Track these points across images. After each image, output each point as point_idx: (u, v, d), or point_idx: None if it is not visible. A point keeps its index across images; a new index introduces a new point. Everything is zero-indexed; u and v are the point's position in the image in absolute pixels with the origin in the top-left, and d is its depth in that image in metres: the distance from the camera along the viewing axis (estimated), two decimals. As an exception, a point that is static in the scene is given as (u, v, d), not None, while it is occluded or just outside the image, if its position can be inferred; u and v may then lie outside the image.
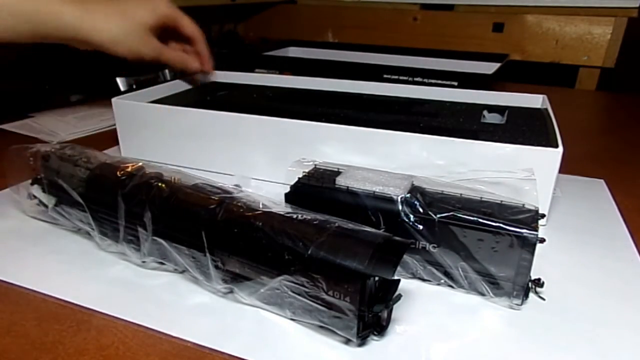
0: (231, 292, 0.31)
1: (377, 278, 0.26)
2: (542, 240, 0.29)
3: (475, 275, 0.30)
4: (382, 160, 0.42)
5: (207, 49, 0.62)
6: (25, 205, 0.40)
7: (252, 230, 0.28)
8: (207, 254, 0.29)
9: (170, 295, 0.31)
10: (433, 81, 0.75)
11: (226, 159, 0.49)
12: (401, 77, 0.77)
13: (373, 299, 0.26)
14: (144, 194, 0.32)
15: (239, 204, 0.30)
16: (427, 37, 1.15)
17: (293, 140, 0.45)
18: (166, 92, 0.60)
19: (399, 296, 0.27)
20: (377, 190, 0.32)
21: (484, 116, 0.53)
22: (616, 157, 0.59)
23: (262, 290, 0.28)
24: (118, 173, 0.34)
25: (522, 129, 0.46)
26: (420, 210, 0.31)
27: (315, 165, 0.37)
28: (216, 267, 0.30)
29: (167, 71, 0.72)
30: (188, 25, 0.59)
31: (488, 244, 0.29)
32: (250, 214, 0.29)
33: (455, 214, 0.30)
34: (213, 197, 0.31)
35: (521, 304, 0.30)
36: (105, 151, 0.53)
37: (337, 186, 0.33)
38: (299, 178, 0.36)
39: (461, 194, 0.32)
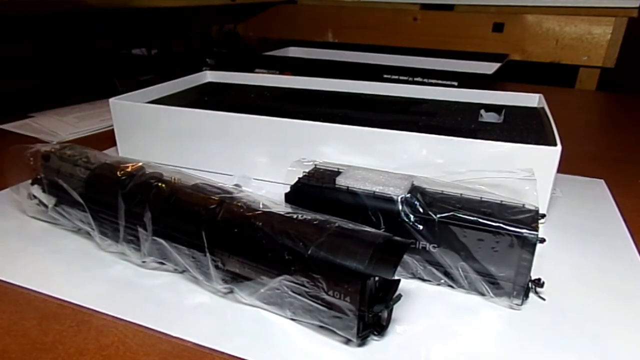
0: (231, 292, 0.31)
1: (377, 278, 0.26)
2: (542, 241, 0.29)
3: (475, 275, 0.30)
4: (381, 160, 0.42)
5: None
6: (25, 205, 0.40)
7: (252, 230, 0.28)
8: (207, 254, 0.29)
9: (170, 295, 0.31)
10: (433, 81, 0.75)
11: (226, 159, 0.49)
12: (401, 77, 0.76)
13: (373, 299, 0.26)
14: (144, 194, 0.32)
15: (239, 204, 0.30)
16: (427, 37, 1.15)
17: (293, 140, 0.45)
18: (164, 92, 0.60)
19: (399, 296, 0.27)
20: (377, 190, 0.32)
21: (481, 115, 0.53)
22: (616, 157, 0.59)
23: (262, 290, 0.28)
24: (118, 173, 0.34)
25: (520, 127, 0.47)
26: (420, 210, 0.31)
27: (315, 165, 0.37)
28: (216, 267, 0.30)
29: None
30: None
31: (488, 244, 0.29)
32: (250, 214, 0.29)
33: (455, 214, 0.30)
34: (213, 197, 0.31)
35: (521, 304, 0.30)
36: (104, 151, 0.53)
37: (337, 186, 0.33)
38: (299, 178, 0.36)
39: (461, 194, 0.32)
